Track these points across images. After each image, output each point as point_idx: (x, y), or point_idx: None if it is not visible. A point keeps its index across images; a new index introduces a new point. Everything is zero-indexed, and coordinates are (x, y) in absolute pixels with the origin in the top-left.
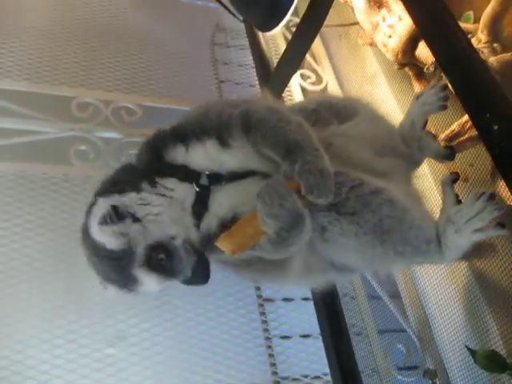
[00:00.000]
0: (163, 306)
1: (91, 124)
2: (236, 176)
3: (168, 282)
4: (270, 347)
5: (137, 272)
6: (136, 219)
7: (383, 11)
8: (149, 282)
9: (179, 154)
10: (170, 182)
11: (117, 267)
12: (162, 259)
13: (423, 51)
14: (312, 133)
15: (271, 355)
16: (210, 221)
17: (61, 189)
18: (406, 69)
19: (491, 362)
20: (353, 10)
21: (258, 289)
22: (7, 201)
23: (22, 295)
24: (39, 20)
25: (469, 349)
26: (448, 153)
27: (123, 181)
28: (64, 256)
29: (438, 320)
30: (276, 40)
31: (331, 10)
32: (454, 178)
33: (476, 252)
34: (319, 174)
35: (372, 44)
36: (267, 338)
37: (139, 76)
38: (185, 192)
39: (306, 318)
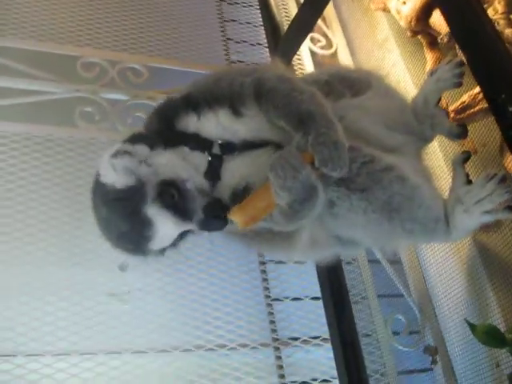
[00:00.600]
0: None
1: (97, 85)
2: (249, 146)
3: (184, 226)
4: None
5: (149, 210)
6: (148, 164)
7: None
8: (163, 223)
9: (191, 123)
10: (182, 151)
11: (128, 208)
12: (173, 195)
13: (437, 19)
14: (326, 103)
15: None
16: (222, 190)
17: (66, 150)
18: (419, 37)
19: (490, 336)
20: None
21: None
22: (11, 162)
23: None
24: None
25: (468, 323)
26: (460, 131)
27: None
28: (68, 219)
29: (439, 292)
30: (287, 3)
31: None
32: (466, 157)
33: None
34: (333, 146)
35: (385, 9)
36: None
37: (146, 36)
38: (197, 160)
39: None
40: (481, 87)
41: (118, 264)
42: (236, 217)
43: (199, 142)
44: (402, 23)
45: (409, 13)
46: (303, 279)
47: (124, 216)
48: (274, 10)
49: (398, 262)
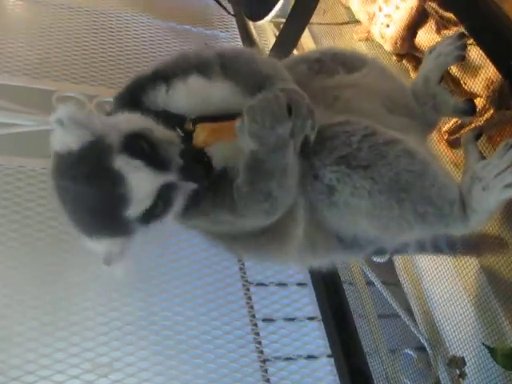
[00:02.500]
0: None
1: None
2: (224, 118)
3: (161, 177)
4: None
5: (118, 163)
6: (104, 122)
7: (379, 1)
8: (136, 174)
9: (159, 97)
10: None
11: (91, 169)
12: (143, 147)
13: (423, 38)
14: (286, 72)
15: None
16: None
17: (38, 182)
18: (404, 61)
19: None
20: (345, 9)
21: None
22: None
23: None
24: (22, 13)
25: (487, 346)
26: (468, 106)
27: None
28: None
29: (444, 317)
30: (267, 36)
31: (323, 11)
32: (477, 134)
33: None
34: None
35: (368, 38)
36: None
37: (125, 72)
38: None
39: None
40: (490, 57)
41: (103, 258)
42: (202, 130)
43: (169, 119)
44: (387, 47)
45: (394, 34)
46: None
47: (89, 180)
48: (256, 40)
49: (396, 284)
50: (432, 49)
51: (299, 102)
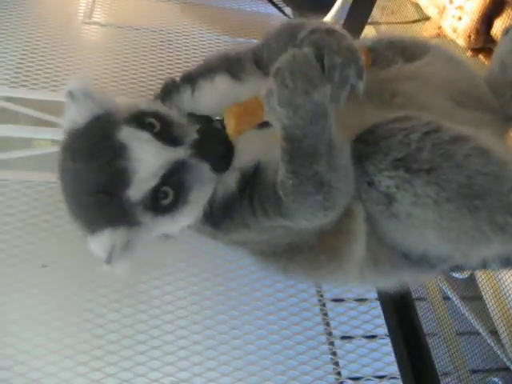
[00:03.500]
0: None
1: None
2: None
3: (169, 152)
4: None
5: (123, 133)
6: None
7: None
8: (142, 148)
9: (185, 100)
10: None
11: (95, 138)
12: (154, 125)
13: (500, 30)
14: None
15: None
16: (228, 176)
17: None
18: (481, 56)
19: None
20: (414, 6)
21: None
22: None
23: None
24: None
25: None
26: None
27: None
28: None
29: None
30: None
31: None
32: None
33: None
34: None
35: (440, 35)
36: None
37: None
38: None
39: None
40: None
41: (105, 256)
42: (230, 117)
43: (194, 121)
44: (461, 41)
45: (467, 27)
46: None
47: (89, 152)
48: None
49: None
50: (509, 28)
51: (331, 44)
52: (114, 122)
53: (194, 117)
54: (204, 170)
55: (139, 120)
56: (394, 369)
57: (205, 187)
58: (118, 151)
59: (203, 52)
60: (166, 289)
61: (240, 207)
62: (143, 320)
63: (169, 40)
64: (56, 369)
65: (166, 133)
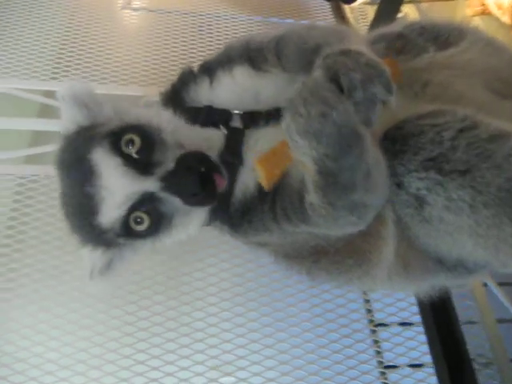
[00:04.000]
0: None
1: None
2: (277, 114)
3: (140, 182)
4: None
5: (95, 155)
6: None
7: None
8: (110, 176)
9: (202, 92)
10: None
11: (74, 155)
12: (131, 140)
13: None
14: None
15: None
16: (247, 177)
17: None
18: None
19: None
20: None
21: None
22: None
23: None
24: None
25: None
26: None
27: None
28: None
29: None
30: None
31: None
32: None
33: None
34: (362, 60)
35: (484, 12)
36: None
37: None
38: (209, 139)
39: None
40: None
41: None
42: (260, 170)
43: (212, 115)
44: (506, 19)
45: None
46: None
47: (68, 169)
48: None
49: None
50: None
51: (346, 63)
52: (91, 139)
53: (212, 112)
54: (177, 201)
55: (116, 138)
56: (428, 358)
57: (189, 212)
58: (89, 175)
59: (235, 33)
60: (210, 280)
61: (261, 212)
62: (186, 312)
63: (208, 24)
64: (98, 361)
65: (143, 155)
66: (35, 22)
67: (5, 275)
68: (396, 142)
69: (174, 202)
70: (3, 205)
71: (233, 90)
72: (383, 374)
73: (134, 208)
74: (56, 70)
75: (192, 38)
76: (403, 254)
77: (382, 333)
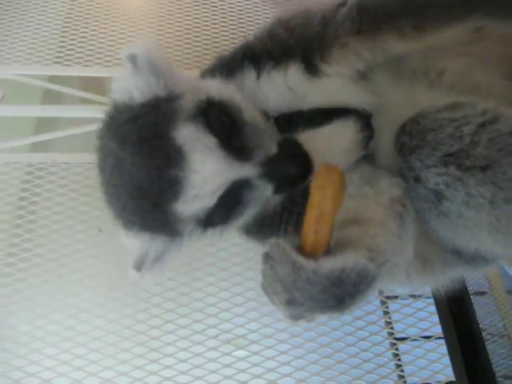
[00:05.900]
0: None
1: None
2: (318, 116)
3: (237, 168)
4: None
5: (183, 133)
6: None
7: None
8: (204, 160)
9: (248, 84)
10: None
11: (148, 129)
12: (223, 120)
13: None
14: None
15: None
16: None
17: None
18: None
19: None
20: None
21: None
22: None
23: None
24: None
25: None
26: None
27: None
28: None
29: None
30: None
31: None
32: None
33: None
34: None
35: None
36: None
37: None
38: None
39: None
40: None
41: (134, 259)
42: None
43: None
44: None
45: None
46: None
47: (139, 146)
48: None
49: None
50: None
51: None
52: (174, 113)
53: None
54: (267, 190)
55: (207, 115)
56: (438, 329)
57: (259, 203)
58: (173, 157)
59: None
60: (222, 285)
61: (276, 230)
62: (199, 308)
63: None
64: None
65: (236, 138)
66: (36, 5)
67: (16, 265)
68: (413, 137)
69: (260, 191)
70: (11, 194)
71: (279, 94)
72: (394, 344)
73: (223, 197)
74: (59, 55)
75: (198, 15)
76: (422, 250)
77: (392, 304)
